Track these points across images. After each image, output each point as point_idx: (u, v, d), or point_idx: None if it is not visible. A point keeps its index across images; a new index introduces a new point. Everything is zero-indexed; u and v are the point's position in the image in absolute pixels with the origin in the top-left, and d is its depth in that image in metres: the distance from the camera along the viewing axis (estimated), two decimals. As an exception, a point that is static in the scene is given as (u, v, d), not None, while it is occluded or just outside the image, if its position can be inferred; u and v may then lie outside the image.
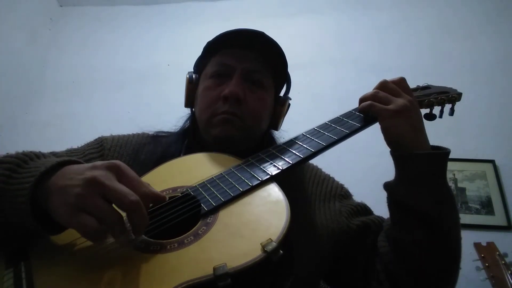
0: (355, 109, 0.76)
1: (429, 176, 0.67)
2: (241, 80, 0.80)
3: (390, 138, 0.70)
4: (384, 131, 0.70)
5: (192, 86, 0.87)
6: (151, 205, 0.56)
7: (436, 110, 0.82)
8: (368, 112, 0.71)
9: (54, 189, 0.51)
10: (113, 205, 0.49)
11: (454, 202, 0.70)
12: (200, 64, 0.89)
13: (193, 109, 0.89)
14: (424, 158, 0.67)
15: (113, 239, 0.51)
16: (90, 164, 0.52)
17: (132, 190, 0.50)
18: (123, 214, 0.50)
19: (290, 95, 0.92)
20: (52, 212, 0.51)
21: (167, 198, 0.60)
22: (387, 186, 0.72)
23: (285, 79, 0.90)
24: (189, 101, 0.89)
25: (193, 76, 0.88)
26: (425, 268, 0.67)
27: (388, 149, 0.72)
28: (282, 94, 0.92)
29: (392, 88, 0.72)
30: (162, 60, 2.61)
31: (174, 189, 0.64)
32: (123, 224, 0.49)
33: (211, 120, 0.79)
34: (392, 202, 0.72)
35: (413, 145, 0.68)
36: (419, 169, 0.67)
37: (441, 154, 0.68)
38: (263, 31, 0.82)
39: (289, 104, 0.90)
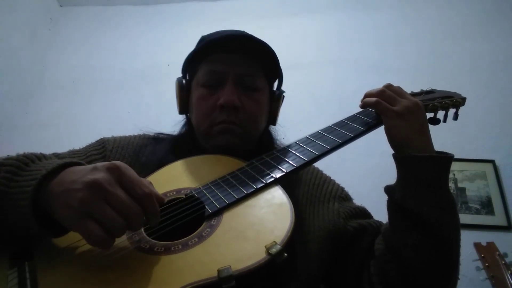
0: (359, 113, 0.77)
1: (429, 179, 0.66)
2: (234, 86, 0.78)
3: (393, 139, 0.70)
4: (388, 131, 0.70)
5: (183, 93, 0.85)
6: None
7: (440, 114, 0.82)
8: (372, 108, 0.71)
9: (56, 192, 0.51)
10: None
11: (455, 209, 0.68)
12: (188, 69, 0.87)
13: (188, 115, 0.88)
14: (426, 160, 0.66)
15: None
16: (91, 166, 0.52)
17: (132, 191, 0.50)
18: None
19: (289, 95, 0.91)
20: (55, 215, 0.51)
21: (166, 200, 0.60)
22: (387, 189, 0.72)
23: (277, 73, 0.88)
24: (183, 108, 0.87)
25: (183, 82, 0.86)
26: (419, 273, 0.65)
27: (390, 150, 0.72)
28: (275, 87, 0.90)
29: (397, 89, 0.73)
30: (162, 60, 2.60)
31: (178, 191, 0.64)
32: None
33: (210, 130, 0.78)
34: (390, 205, 0.71)
35: (417, 148, 0.67)
36: (420, 172, 0.66)
37: (444, 158, 0.67)
38: (244, 30, 0.82)
39: (283, 96, 0.89)
